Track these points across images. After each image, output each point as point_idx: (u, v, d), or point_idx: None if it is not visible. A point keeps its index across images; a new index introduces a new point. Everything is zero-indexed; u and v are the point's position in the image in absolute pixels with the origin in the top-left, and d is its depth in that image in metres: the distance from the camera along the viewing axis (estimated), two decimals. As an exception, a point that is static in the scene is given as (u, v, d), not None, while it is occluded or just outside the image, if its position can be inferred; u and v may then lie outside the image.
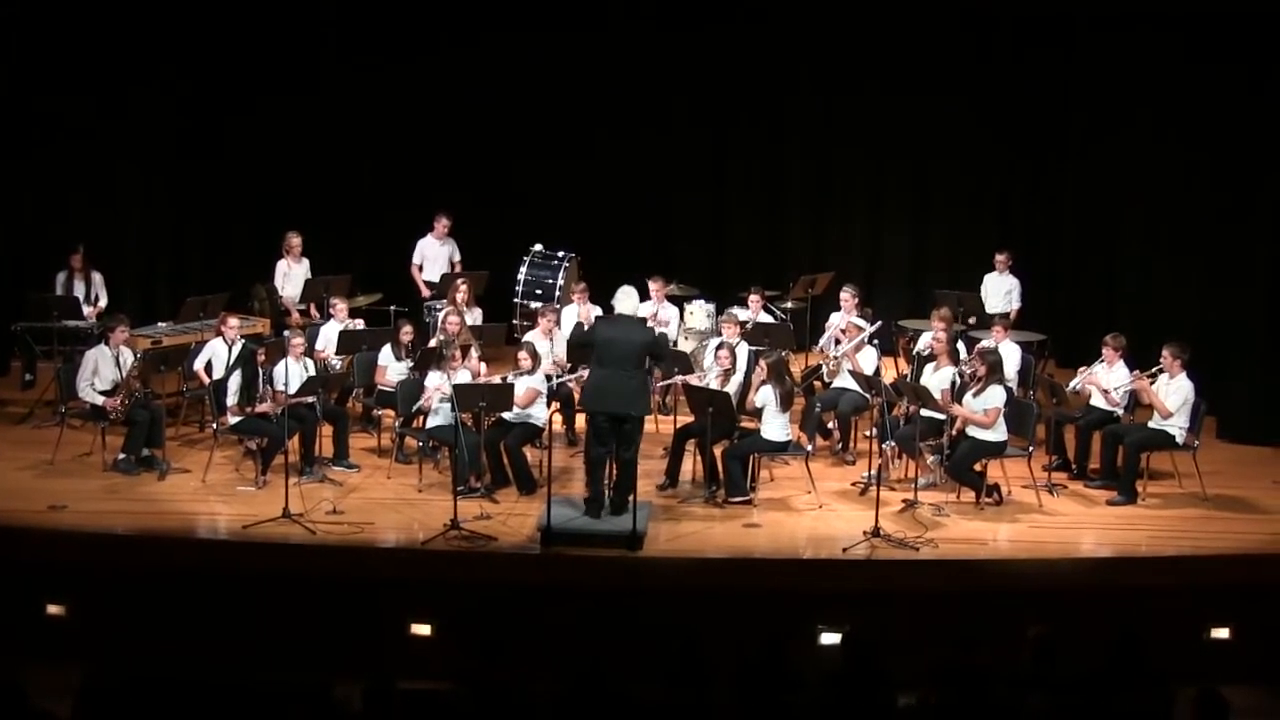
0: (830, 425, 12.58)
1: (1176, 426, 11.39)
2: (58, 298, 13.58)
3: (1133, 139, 14.61)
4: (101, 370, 11.73)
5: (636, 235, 16.12)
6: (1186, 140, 13.95)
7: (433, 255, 14.90)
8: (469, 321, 12.99)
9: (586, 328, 11.70)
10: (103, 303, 13.94)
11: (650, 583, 10.10)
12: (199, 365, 12.31)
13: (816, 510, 11.16)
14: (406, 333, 12.60)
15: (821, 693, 7.05)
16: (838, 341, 12.73)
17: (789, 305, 14.59)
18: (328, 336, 12.87)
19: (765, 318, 13.77)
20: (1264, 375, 13.11)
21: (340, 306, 13.11)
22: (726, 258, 16.32)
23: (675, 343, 13.69)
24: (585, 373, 12.04)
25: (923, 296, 15.40)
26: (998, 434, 11.13)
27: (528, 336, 12.60)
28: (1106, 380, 11.77)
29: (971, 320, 14.19)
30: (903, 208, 16.16)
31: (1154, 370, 11.51)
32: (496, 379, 11.76)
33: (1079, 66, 15.06)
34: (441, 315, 13.03)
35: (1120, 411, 11.83)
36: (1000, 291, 14.58)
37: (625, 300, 11.04)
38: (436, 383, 11.40)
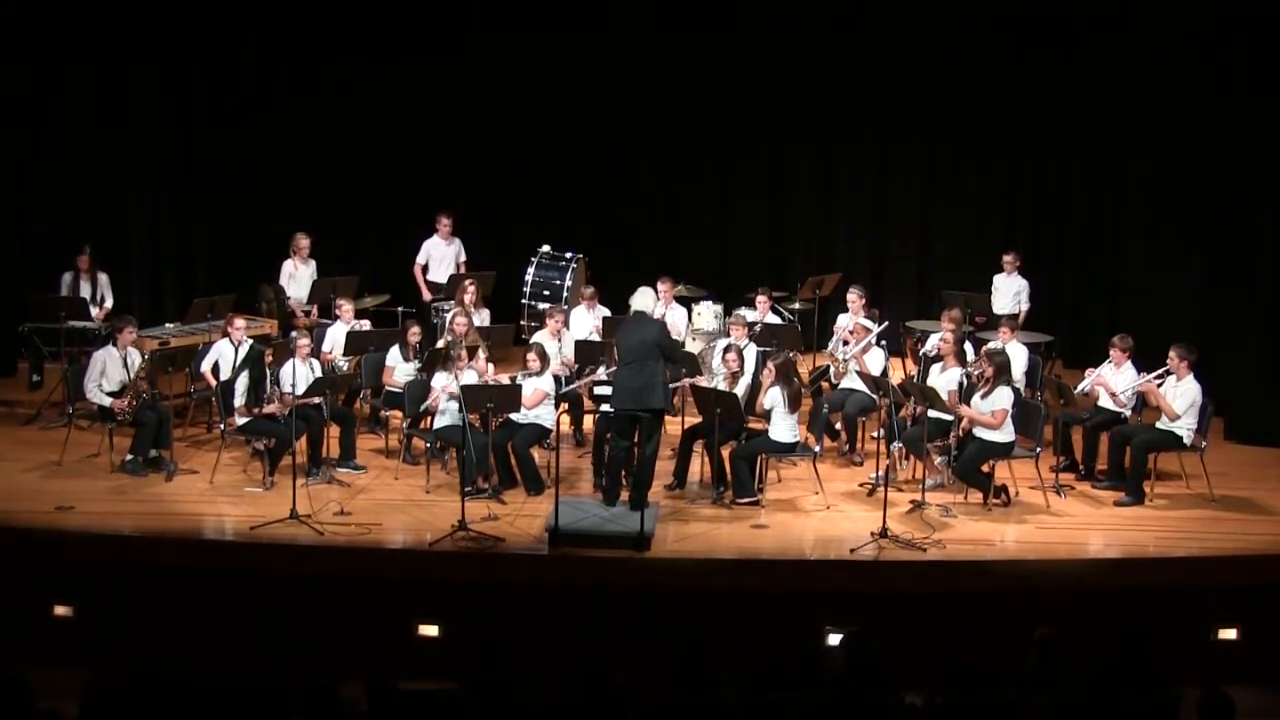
0: (838, 426, 12.57)
1: (1184, 428, 11.36)
2: (65, 298, 13.56)
3: (1136, 139, 14.63)
4: (109, 371, 11.72)
5: (644, 236, 16.14)
6: (1189, 140, 13.95)
7: (439, 255, 14.88)
8: (476, 322, 12.98)
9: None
10: (109, 303, 13.92)
11: (658, 583, 10.09)
12: (205, 367, 12.30)
13: (824, 511, 11.15)
14: (414, 333, 12.61)
15: (826, 693, 7.04)
16: (845, 343, 12.72)
17: (796, 306, 14.58)
18: (335, 338, 12.86)
19: (773, 319, 13.77)
20: (1272, 376, 13.08)
21: (346, 307, 13.08)
22: (734, 259, 16.32)
23: (683, 344, 13.69)
24: (593, 375, 12.09)
25: (930, 297, 15.42)
26: (1005, 435, 11.11)
27: (536, 337, 12.59)
28: (1114, 381, 11.75)
29: (980, 319, 14.18)
30: (909, 208, 16.15)
31: (1161, 372, 11.49)
32: (504, 380, 11.76)
33: (1081, 66, 15.06)
34: (449, 316, 13.05)
35: (1128, 412, 11.82)
36: (1010, 292, 14.55)
37: (640, 298, 11.04)
38: (444, 383, 11.39)
